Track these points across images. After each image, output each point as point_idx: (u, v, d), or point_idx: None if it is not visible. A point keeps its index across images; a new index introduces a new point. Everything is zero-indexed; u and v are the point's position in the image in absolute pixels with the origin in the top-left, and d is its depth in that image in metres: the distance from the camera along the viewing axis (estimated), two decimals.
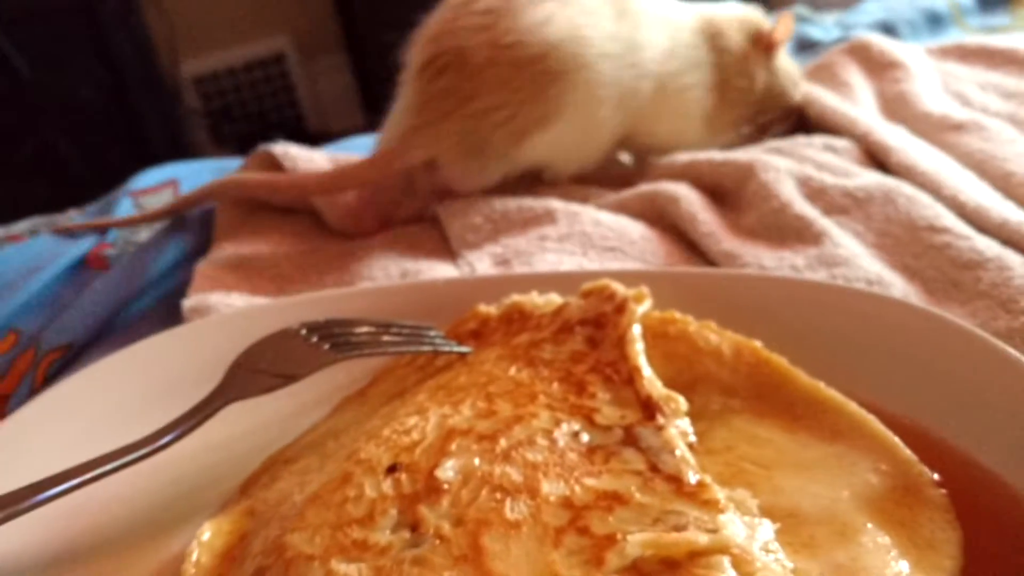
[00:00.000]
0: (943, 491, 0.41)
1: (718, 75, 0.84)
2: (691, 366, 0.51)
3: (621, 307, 0.52)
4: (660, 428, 0.44)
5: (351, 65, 2.73)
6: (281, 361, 0.49)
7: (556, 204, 0.74)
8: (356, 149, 0.89)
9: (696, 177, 0.76)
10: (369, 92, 2.70)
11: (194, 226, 0.82)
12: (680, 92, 0.82)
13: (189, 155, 2.43)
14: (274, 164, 0.81)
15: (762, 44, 0.85)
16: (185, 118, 2.55)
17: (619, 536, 0.38)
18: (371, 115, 2.72)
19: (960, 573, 0.38)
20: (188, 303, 0.65)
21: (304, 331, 0.51)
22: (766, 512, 0.41)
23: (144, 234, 0.84)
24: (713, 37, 0.84)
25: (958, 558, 0.39)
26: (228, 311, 0.63)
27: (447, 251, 0.72)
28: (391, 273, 0.67)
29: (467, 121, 0.72)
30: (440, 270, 0.68)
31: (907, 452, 0.43)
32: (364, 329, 0.52)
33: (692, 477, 0.41)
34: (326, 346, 0.50)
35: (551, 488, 0.41)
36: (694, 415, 0.47)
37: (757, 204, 0.70)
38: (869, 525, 0.40)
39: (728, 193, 0.74)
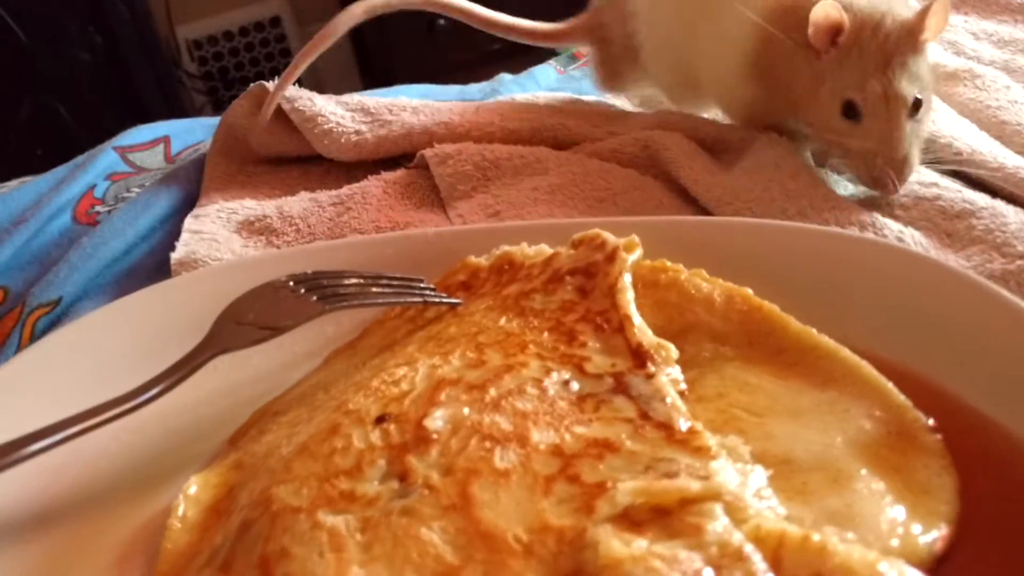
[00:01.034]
0: (938, 436, 0.41)
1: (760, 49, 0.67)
2: (682, 314, 0.50)
3: (611, 256, 0.51)
4: (650, 376, 0.44)
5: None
6: (268, 313, 0.48)
7: (547, 152, 0.73)
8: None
9: (691, 128, 0.75)
10: (365, 57, 2.67)
11: (184, 178, 0.81)
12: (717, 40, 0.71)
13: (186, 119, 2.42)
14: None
15: (821, 35, 0.62)
16: (181, 82, 2.53)
17: (609, 484, 0.37)
18: (368, 80, 2.70)
19: (956, 518, 0.38)
20: (176, 257, 0.65)
21: (291, 283, 0.50)
22: (758, 459, 0.40)
23: (134, 188, 0.83)
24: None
25: (954, 503, 0.38)
26: (215, 265, 0.62)
27: (437, 201, 0.71)
28: (381, 226, 0.67)
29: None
30: (431, 221, 0.67)
31: (901, 397, 0.43)
32: (352, 281, 0.51)
33: (683, 424, 0.41)
34: (314, 298, 0.49)
35: (541, 437, 0.40)
36: (685, 363, 0.46)
37: (752, 153, 0.69)
38: (863, 471, 0.39)
39: (725, 148, 0.73)
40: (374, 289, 0.51)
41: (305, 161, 0.78)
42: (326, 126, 0.75)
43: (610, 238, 0.52)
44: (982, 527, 0.37)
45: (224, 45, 2.67)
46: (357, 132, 0.75)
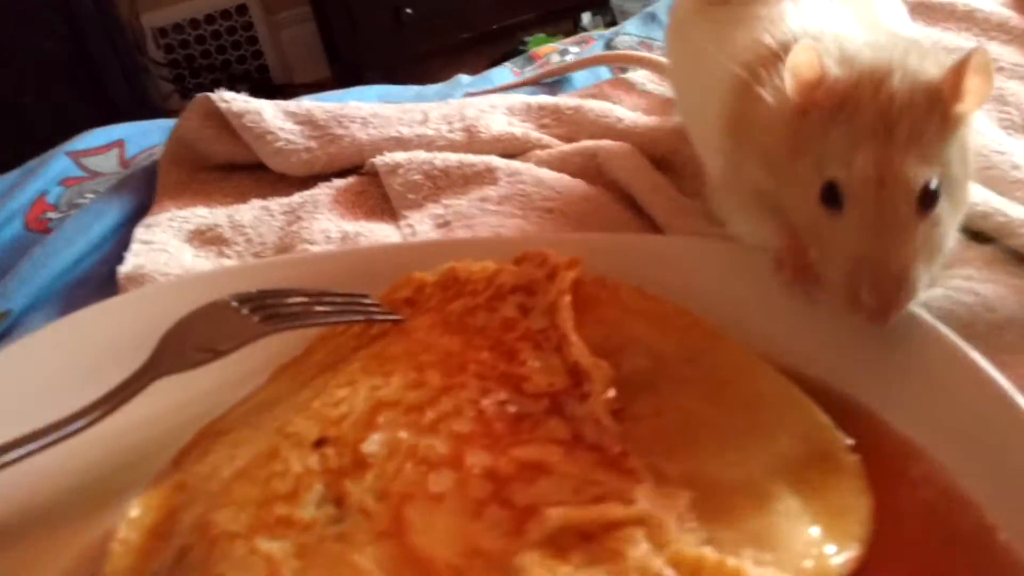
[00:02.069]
0: (856, 457, 0.42)
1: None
2: (621, 331, 0.51)
3: (553, 274, 0.52)
4: (585, 396, 0.45)
5: (314, 16, 2.68)
6: (210, 335, 0.49)
7: (497, 161, 0.73)
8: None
9: (640, 143, 0.75)
10: (332, 44, 2.66)
11: (137, 185, 0.81)
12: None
13: (152, 107, 2.39)
14: (216, 112, 0.79)
15: (800, 89, 0.46)
16: (147, 70, 2.50)
17: (540, 508, 0.39)
18: (336, 67, 2.68)
19: (868, 538, 0.39)
20: (123, 270, 0.65)
21: (235, 303, 0.51)
22: (686, 479, 0.41)
23: (88, 194, 0.83)
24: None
25: (867, 524, 0.40)
26: (161, 283, 0.62)
27: (388, 210, 0.72)
28: (331, 236, 0.67)
29: None
30: (381, 232, 0.68)
31: (823, 417, 0.44)
32: (296, 299, 0.52)
33: (613, 446, 0.42)
34: (256, 318, 0.49)
35: (475, 460, 0.41)
36: (622, 380, 0.47)
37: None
38: (785, 492, 0.41)
39: (671, 162, 0.74)
40: (318, 308, 0.51)
41: (258, 168, 0.78)
42: (276, 144, 0.75)
43: (552, 255, 0.53)
44: (893, 547, 0.38)
45: (190, 33, 2.65)
46: (308, 150, 0.75)
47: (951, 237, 0.46)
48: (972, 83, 0.44)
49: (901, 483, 0.41)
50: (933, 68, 0.45)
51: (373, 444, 0.42)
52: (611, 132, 0.78)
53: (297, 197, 0.73)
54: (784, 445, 0.43)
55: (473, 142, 0.78)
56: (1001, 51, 0.82)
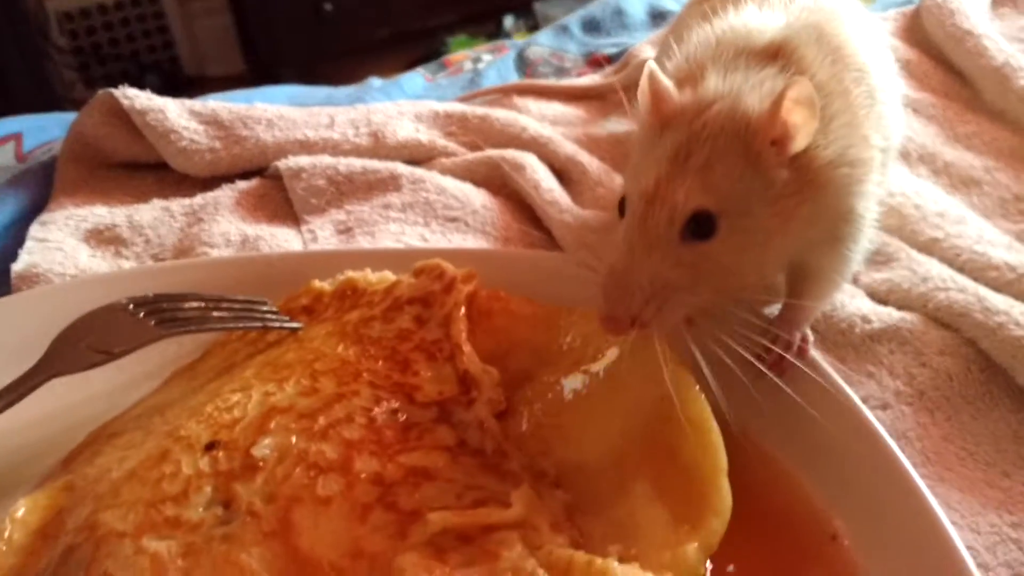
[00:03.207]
0: (708, 416, 0.44)
1: None
2: (509, 335, 0.53)
3: (449, 287, 0.54)
4: (472, 403, 0.47)
5: (230, 8, 2.62)
6: (105, 337, 0.49)
7: (401, 168, 0.75)
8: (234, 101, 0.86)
9: (543, 153, 0.78)
10: (248, 38, 2.61)
11: (34, 181, 0.79)
12: None
13: (56, 97, 2.31)
14: (118, 109, 0.78)
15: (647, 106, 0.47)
16: (50, 57, 2.41)
17: (423, 511, 0.40)
18: (250, 61, 2.64)
19: (728, 530, 0.41)
20: (16, 268, 0.64)
21: (131, 306, 0.51)
22: (559, 469, 0.44)
23: None
24: None
25: (725, 505, 0.41)
26: (56, 284, 0.62)
27: (290, 214, 0.72)
28: (232, 239, 0.68)
29: None
30: (282, 236, 0.69)
31: (693, 390, 0.45)
32: (193, 304, 0.53)
33: (494, 451, 0.44)
34: (152, 322, 0.50)
35: (364, 465, 0.43)
36: (509, 380, 0.50)
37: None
38: (646, 475, 0.43)
39: (570, 173, 0.76)
40: (215, 313, 0.52)
41: (161, 167, 0.78)
42: (180, 144, 0.75)
43: (449, 269, 0.55)
44: (746, 548, 0.41)
45: (97, 19, 2.56)
46: (211, 150, 0.76)
47: (743, 275, 0.45)
48: (795, 117, 0.43)
49: (756, 489, 0.44)
50: (757, 102, 0.44)
51: (264, 448, 0.43)
52: (516, 142, 0.81)
53: (199, 198, 0.73)
54: (637, 392, 0.45)
55: (379, 147, 0.79)
56: None
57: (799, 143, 0.43)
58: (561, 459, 0.45)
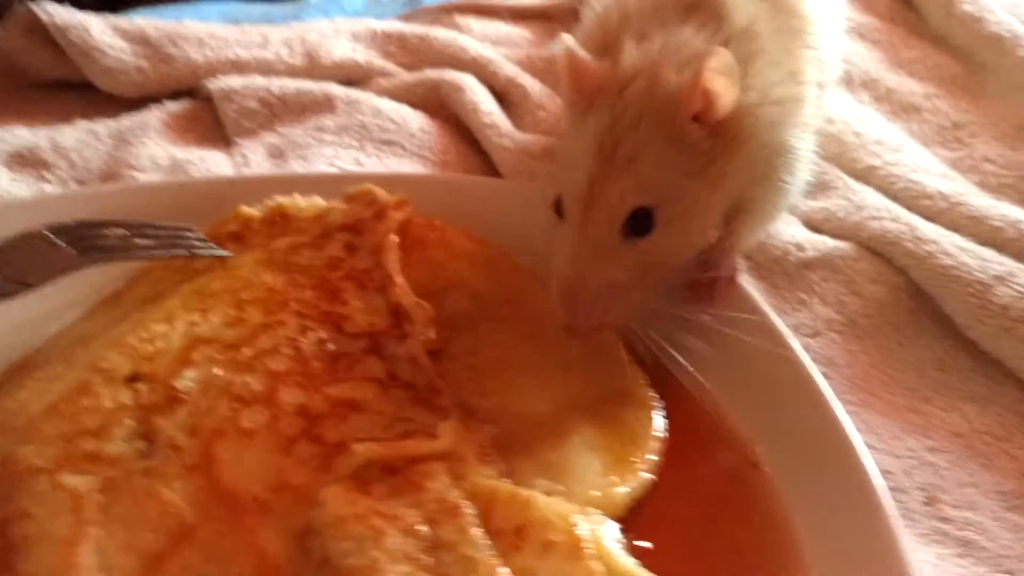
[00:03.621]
0: (652, 392, 0.46)
1: None
2: (446, 272, 0.52)
3: (381, 214, 0.53)
4: (405, 336, 0.47)
5: None
6: (22, 266, 0.47)
7: (336, 89, 0.73)
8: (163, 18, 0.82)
9: (483, 75, 0.76)
10: None
11: None
12: None
13: None
14: (39, 26, 0.75)
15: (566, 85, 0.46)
16: None
17: (349, 443, 0.40)
18: None
19: (657, 466, 0.43)
20: None
21: (50, 233, 0.49)
22: (494, 414, 0.44)
23: None
24: None
25: (657, 451, 0.43)
26: None
27: (221, 137, 0.70)
28: (160, 162, 0.66)
29: None
30: (212, 160, 0.67)
31: (623, 354, 0.47)
32: (116, 231, 0.51)
33: (426, 386, 0.44)
34: (72, 250, 0.48)
35: (289, 397, 0.43)
36: (445, 320, 0.49)
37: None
38: (583, 423, 0.44)
39: (511, 95, 0.75)
40: (138, 241, 0.51)
41: (86, 87, 0.75)
42: (104, 62, 0.72)
43: (381, 195, 0.54)
44: (672, 477, 0.42)
45: None
46: (138, 69, 0.73)
47: (688, 252, 0.46)
48: (716, 86, 0.42)
49: (681, 417, 0.45)
50: (675, 73, 0.43)
51: (187, 380, 0.43)
52: (456, 63, 0.79)
53: (126, 120, 0.71)
54: (588, 380, 0.46)
55: (313, 67, 0.77)
56: None
57: (720, 111, 0.43)
58: (498, 404, 0.45)
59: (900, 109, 0.73)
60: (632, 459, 0.43)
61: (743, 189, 0.48)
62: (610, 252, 0.43)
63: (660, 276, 0.45)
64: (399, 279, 0.50)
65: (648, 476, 0.42)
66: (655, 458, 0.43)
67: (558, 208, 0.45)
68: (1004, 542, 0.45)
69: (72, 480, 0.39)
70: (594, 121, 0.43)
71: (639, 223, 0.43)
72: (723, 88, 0.42)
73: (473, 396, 0.45)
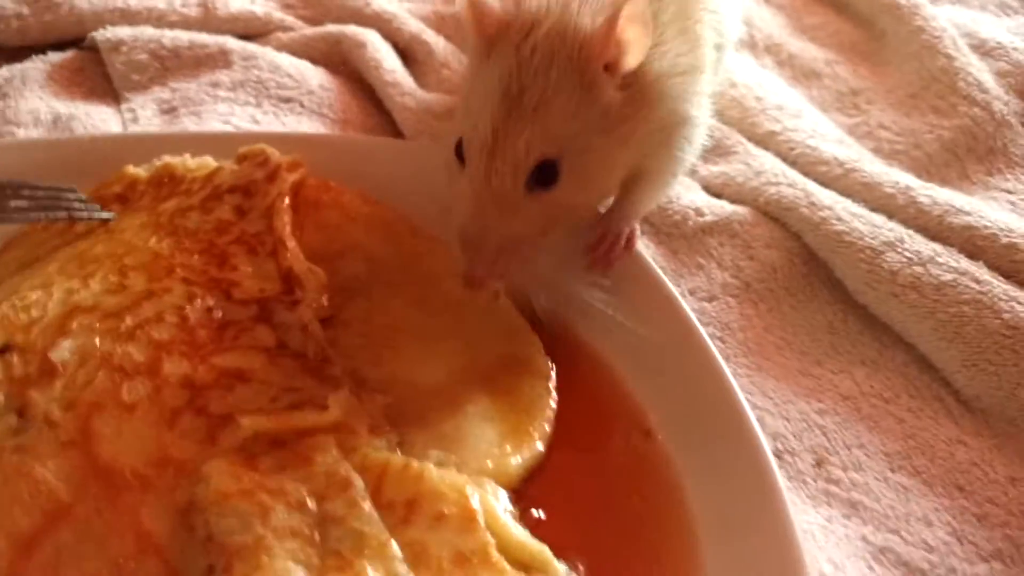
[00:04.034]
0: (548, 360, 0.46)
1: None
2: (342, 235, 0.51)
3: (273, 175, 0.51)
4: (296, 303, 0.45)
5: None
6: None
7: (232, 43, 0.70)
8: None
9: (387, 30, 0.74)
10: None
11: None
12: None
13: None
14: None
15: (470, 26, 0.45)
16: None
17: (236, 416, 0.39)
18: None
19: (550, 437, 0.43)
20: None
21: None
22: (387, 384, 0.43)
23: None
24: None
25: (551, 420, 0.43)
26: None
27: (109, 91, 0.67)
28: (42, 118, 0.62)
29: None
30: (99, 116, 0.64)
31: (521, 321, 0.47)
32: None
33: (316, 354, 0.43)
34: None
35: (173, 368, 0.41)
36: (339, 286, 0.48)
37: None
38: (477, 393, 0.44)
39: (415, 52, 0.73)
40: (13, 203, 0.48)
41: None
42: None
43: (274, 155, 0.52)
44: (566, 445, 0.42)
45: None
46: (18, 16, 0.68)
47: (589, 206, 0.46)
48: (629, 35, 0.41)
49: (575, 384, 0.45)
50: (589, 19, 0.42)
51: (64, 351, 0.41)
52: (358, 17, 0.76)
53: (5, 71, 0.66)
54: (483, 347, 0.46)
55: (209, 19, 0.74)
56: None
57: (631, 61, 0.42)
58: (391, 372, 0.44)
59: (801, 75, 0.74)
60: (527, 429, 0.42)
61: (643, 155, 0.48)
62: (514, 204, 0.42)
63: (561, 227, 0.44)
64: (291, 243, 0.48)
65: (541, 447, 0.42)
66: (549, 428, 0.43)
67: (459, 152, 0.44)
68: (888, 502, 0.47)
69: None
70: (498, 64, 0.42)
71: (544, 174, 0.42)
72: (636, 38, 0.41)
73: (365, 365, 0.44)
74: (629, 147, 0.45)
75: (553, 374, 0.45)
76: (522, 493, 0.40)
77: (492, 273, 0.43)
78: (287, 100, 0.67)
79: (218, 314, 0.44)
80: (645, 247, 0.57)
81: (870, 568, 0.44)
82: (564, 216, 0.44)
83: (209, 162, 0.53)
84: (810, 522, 0.45)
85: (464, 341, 0.46)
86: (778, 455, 0.48)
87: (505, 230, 0.42)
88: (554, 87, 0.41)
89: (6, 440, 0.38)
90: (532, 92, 0.41)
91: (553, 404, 0.44)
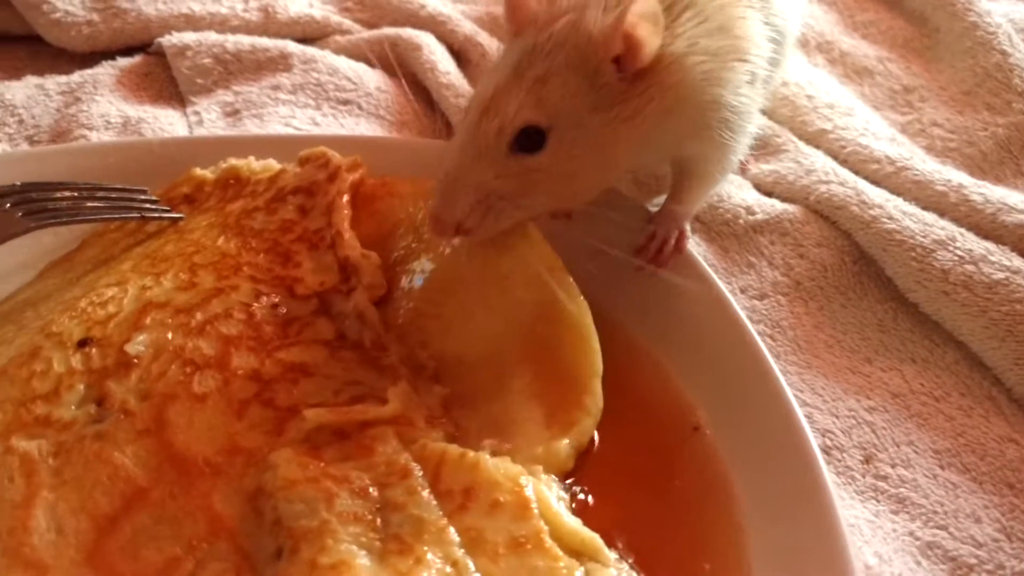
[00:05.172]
0: (581, 302, 0.45)
1: None
2: (392, 214, 0.52)
3: (334, 175, 0.53)
4: (351, 291, 0.47)
5: None
6: None
7: (292, 47, 0.72)
8: None
9: (441, 32, 0.76)
10: None
11: None
12: None
13: None
14: None
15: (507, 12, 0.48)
16: None
17: (300, 408, 0.41)
18: None
19: (600, 409, 0.43)
20: None
21: None
22: (437, 361, 0.45)
23: None
24: None
25: (599, 375, 0.43)
26: None
27: (175, 94, 0.70)
28: (112, 121, 0.65)
29: None
30: (166, 119, 0.66)
31: (556, 260, 0.47)
32: (65, 194, 0.51)
33: (373, 343, 0.44)
34: (19, 213, 0.48)
35: (241, 362, 0.43)
36: (394, 262, 0.49)
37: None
38: (521, 365, 0.44)
39: (469, 54, 0.74)
40: (88, 203, 0.51)
41: (35, 40, 0.73)
42: (53, 15, 0.70)
43: (335, 157, 0.54)
44: (619, 438, 0.43)
45: None
46: (89, 23, 0.71)
47: (576, 184, 0.46)
48: (640, 32, 0.42)
49: (624, 380, 0.45)
50: (602, 15, 0.44)
51: (138, 345, 0.43)
52: (413, 19, 0.78)
53: (77, 76, 0.69)
54: (520, 294, 0.46)
55: (269, 23, 0.76)
56: None
57: (644, 58, 0.43)
58: (440, 351, 0.45)
59: (853, 72, 0.74)
60: (574, 400, 0.43)
61: (677, 143, 0.49)
62: (494, 159, 0.44)
63: (543, 197, 0.45)
64: (347, 233, 0.50)
65: (589, 430, 0.43)
66: (596, 414, 0.43)
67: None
68: (936, 498, 0.47)
69: (24, 444, 0.39)
70: (518, 46, 0.45)
71: (529, 140, 0.44)
72: (646, 35, 0.43)
73: (417, 347, 0.46)
74: (637, 128, 0.45)
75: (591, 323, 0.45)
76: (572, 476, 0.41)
77: (458, 219, 0.44)
78: (346, 102, 0.69)
79: (282, 310, 0.46)
80: (696, 245, 0.58)
81: (917, 563, 0.44)
82: (546, 186, 0.45)
83: (273, 164, 0.55)
84: (857, 516, 0.46)
85: (498, 292, 0.46)
86: (826, 451, 0.49)
87: (480, 180, 0.44)
88: (557, 67, 0.43)
89: (86, 428, 0.40)
90: (536, 68, 0.43)
91: (598, 361, 0.44)
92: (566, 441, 0.41)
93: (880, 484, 0.48)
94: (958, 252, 0.54)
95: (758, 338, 0.46)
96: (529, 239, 0.47)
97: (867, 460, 0.49)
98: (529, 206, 0.45)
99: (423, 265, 0.49)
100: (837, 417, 0.50)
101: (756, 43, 0.49)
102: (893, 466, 0.48)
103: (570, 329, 0.45)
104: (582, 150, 0.44)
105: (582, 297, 0.45)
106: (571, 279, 0.46)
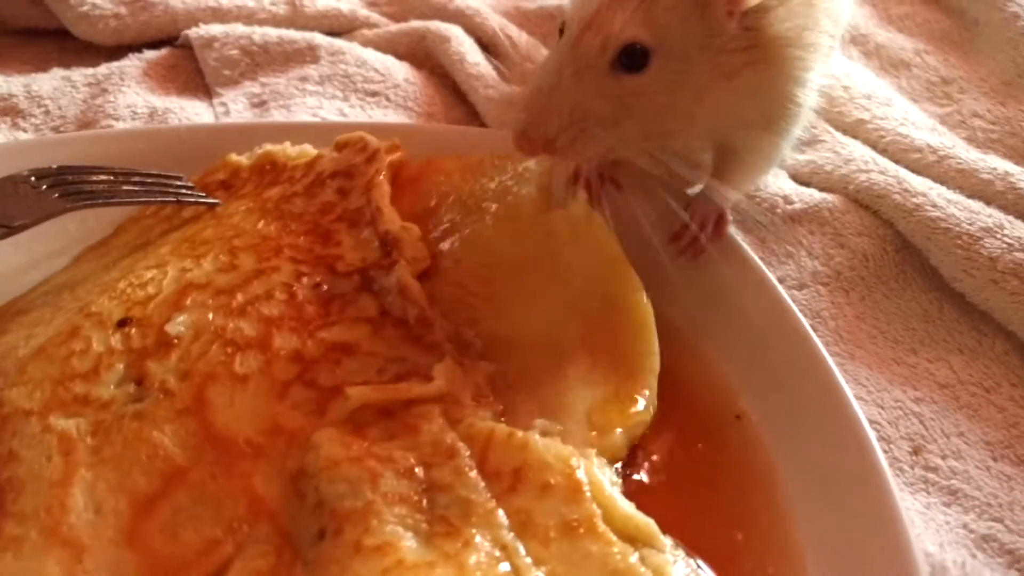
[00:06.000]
0: (644, 297, 0.44)
1: None
2: (437, 188, 0.51)
3: (372, 157, 0.52)
4: (393, 265, 0.46)
5: None
6: (4, 210, 0.46)
7: (320, 39, 0.72)
8: None
9: (469, 25, 0.75)
10: None
11: None
12: None
13: None
14: None
15: None
16: None
17: (343, 387, 0.40)
18: None
19: (656, 396, 0.42)
20: None
21: (33, 178, 0.48)
22: (486, 341, 0.44)
23: None
24: None
25: (655, 373, 0.42)
26: None
27: (202, 86, 0.69)
28: (139, 112, 0.64)
29: None
30: (192, 110, 0.66)
31: (618, 251, 0.46)
32: (101, 177, 0.50)
33: (417, 319, 0.43)
34: (55, 195, 0.47)
35: (283, 342, 0.42)
36: (435, 236, 0.49)
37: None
38: (579, 354, 0.43)
39: (499, 46, 0.74)
40: (125, 187, 0.50)
41: (62, 33, 0.73)
42: (81, 8, 0.70)
43: (373, 141, 0.53)
44: (663, 430, 0.42)
45: None
46: (116, 16, 0.71)
47: (670, 119, 0.44)
48: None
49: (666, 367, 0.43)
50: None
51: (179, 325, 0.42)
52: (441, 13, 0.78)
53: (103, 68, 0.69)
54: (579, 288, 0.45)
55: (296, 16, 0.76)
56: None
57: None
58: (490, 331, 0.44)
59: (889, 65, 0.73)
60: (630, 394, 0.41)
61: (739, 128, 0.47)
62: (593, 75, 0.41)
63: (636, 126, 0.43)
64: (387, 208, 0.49)
65: (643, 423, 0.41)
66: (651, 411, 0.42)
67: (561, 32, 0.43)
68: (990, 490, 0.46)
69: (62, 423, 0.38)
70: None
71: (632, 59, 0.41)
72: None
73: (465, 325, 0.44)
74: (729, 89, 0.43)
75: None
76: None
77: (551, 141, 0.41)
78: (374, 94, 0.69)
79: (324, 288, 0.45)
80: (733, 234, 0.57)
81: (972, 556, 0.43)
82: (641, 113, 0.42)
83: (309, 150, 0.54)
84: (908, 508, 0.44)
85: (560, 281, 0.45)
86: None
87: (577, 99, 0.41)
88: None
89: (126, 407, 0.39)
90: None
91: (657, 362, 0.43)
92: (621, 430, 0.40)
93: (930, 476, 0.46)
94: (1007, 239, 0.53)
95: (805, 322, 0.44)
96: (595, 230, 0.46)
97: (916, 451, 0.47)
98: (618, 137, 0.42)
99: (470, 236, 0.48)
100: (883, 408, 0.49)
101: (824, 39, 0.48)
102: (943, 457, 0.47)
103: (634, 326, 0.44)
104: (682, 84, 0.42)
105: (646, 294, 0.44)
106: (635, 274, 0.45)
